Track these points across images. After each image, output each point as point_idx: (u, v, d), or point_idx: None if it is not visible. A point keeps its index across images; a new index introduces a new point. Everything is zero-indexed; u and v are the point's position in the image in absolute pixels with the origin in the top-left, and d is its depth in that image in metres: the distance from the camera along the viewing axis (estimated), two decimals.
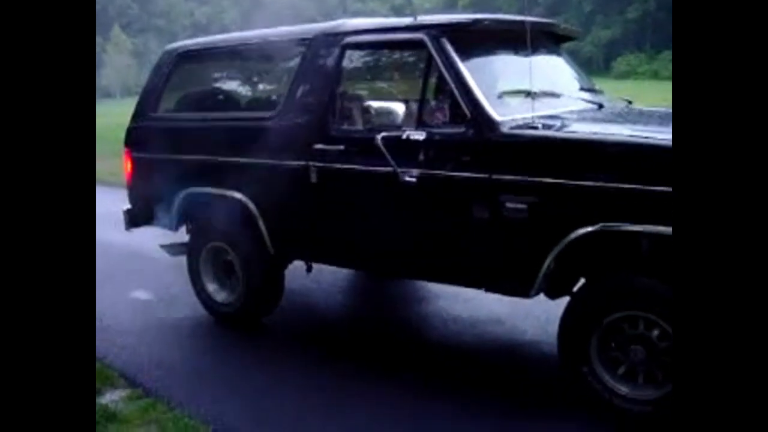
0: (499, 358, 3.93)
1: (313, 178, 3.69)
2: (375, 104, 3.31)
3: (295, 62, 3.96)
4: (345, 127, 3.79)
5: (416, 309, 4.79)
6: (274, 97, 4.27)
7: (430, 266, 3.51)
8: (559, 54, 4.10)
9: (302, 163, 3.73)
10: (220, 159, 4.07)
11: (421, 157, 3.30)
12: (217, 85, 4.82)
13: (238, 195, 4.01)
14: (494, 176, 3.08)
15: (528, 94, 3.24)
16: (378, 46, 3.77)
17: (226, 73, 4.72)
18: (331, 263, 4.21)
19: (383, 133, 3.29)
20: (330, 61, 3.74)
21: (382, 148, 3.27)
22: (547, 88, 3.47)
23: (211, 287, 4.51)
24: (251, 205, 3.98)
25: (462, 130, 3.22)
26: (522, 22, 3.34)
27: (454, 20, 3.45)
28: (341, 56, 3.72)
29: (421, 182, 3.28)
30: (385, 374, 3.71)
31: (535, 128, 3.06)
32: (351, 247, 3.74)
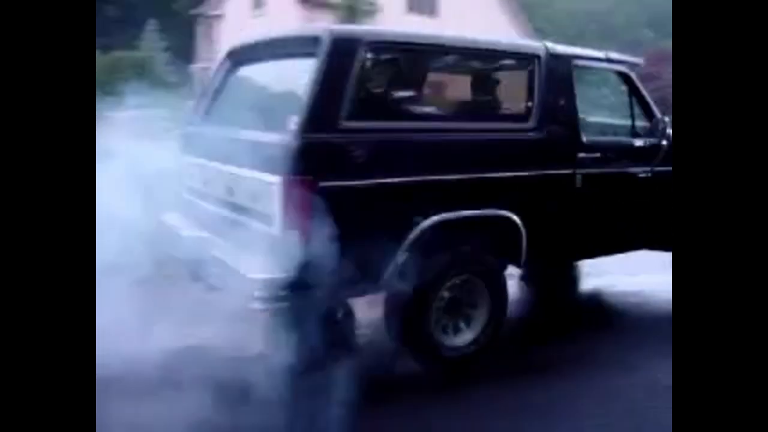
0: None
1: (578, 183, 3.99)
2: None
3: (524, 73, 3.95)
4: (594, 137, 4.17)
5: None
6: (515, 108, 4.10)
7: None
8: None
9: (569, 171, 3.98)
10: (470, 176, 3.54)
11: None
12: (417, 88, 4.01)
13: (504, 212, 3.67)
14: None
15: None
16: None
17: (430, 74, 4.14)
18: (575, 259, 4.87)
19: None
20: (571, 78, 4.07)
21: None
22: None
23: (443, 334, 3.64)
24: (515, 219, 3.69)
25: None
26: None
27: None
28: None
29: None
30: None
31: None
32: (601, 238, 4.32)
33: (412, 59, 3.73)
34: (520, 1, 30.04)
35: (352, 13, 20.14)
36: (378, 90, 3.53)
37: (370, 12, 22.18)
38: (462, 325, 3.70)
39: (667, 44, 35.85)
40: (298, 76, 3.32)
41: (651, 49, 19.85)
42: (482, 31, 18.45)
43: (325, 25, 3.76)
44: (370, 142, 3.23)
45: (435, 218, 3.37)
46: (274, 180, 3.07)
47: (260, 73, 4.08)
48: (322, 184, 3.05)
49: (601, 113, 4.93)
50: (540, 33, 31.56)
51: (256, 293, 3.00)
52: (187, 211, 4.18)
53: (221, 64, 4.29)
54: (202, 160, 3.93)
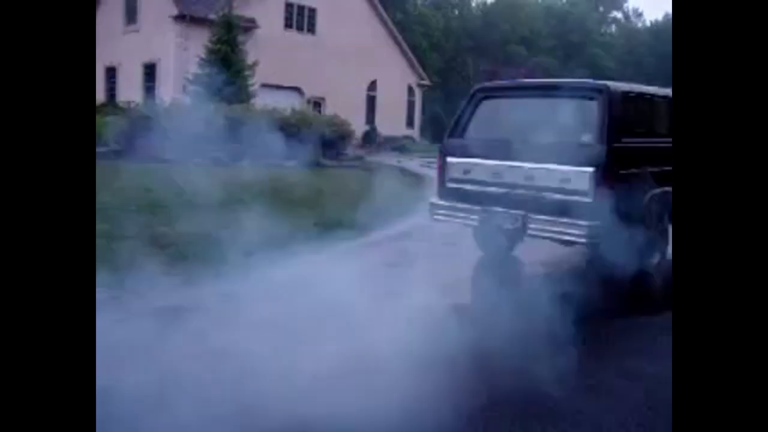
0: None
1: None
2: None
3: (667, 106, 6.47)
4: None
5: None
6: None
7: None
8: None
9: None
10: (661, 168, 5.91)
11: None
12: (644, 118, 6.53)
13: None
14: None
15: None
16: None
17: (647, 109, 6.56)
18: None
19: None
20: None
21: None
22: None
23: (647, 259, 6.26)
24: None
25: None
26: None
27: None
28: None
29: None
30: None
31: None
32: None
33: (641, 101, 6.46)
34: (396, 18, 30.67)
35: (229, 30, 19.68)
36: (629, 119, 6.08)
37: (248, 29, 21.82)
38: (651, 254, 6.32)
39: (540, 60, 38.47)
40: (582, 110, 6.03)
41: (524, 66, 20.92)
42: (358, 48, 18.74)
43: (601, 81, 6.24)
44: (632, 148, 5.93)
45: (653, 191, 6.01)
46: (590, 170, 5.55)
47: (529, 106, 6.41)
48: (620, 171, 5.67)
49: None
50: (418, 49, 32.59)
51: (585, 232, 5.52)
52: (450, 194, 6.57)
53: (472, 96, 6.69)
54: (485, 161, 6.25)
